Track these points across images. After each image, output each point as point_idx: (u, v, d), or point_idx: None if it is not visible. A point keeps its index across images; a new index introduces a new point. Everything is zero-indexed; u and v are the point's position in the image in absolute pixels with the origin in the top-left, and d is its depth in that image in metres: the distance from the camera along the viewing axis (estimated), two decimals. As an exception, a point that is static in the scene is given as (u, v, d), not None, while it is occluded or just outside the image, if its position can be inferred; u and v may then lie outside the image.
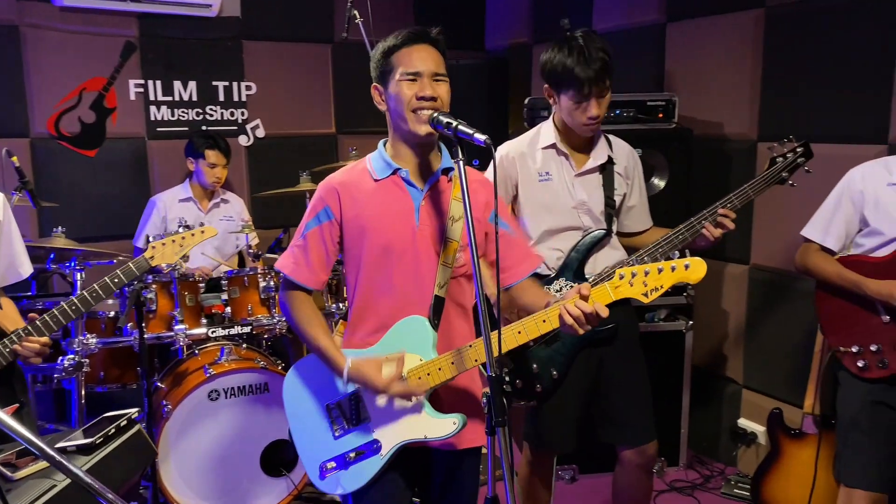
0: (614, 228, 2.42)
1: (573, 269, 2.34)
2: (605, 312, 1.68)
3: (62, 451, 1.74)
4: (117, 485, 1.83)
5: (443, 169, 1.84)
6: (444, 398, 1.84)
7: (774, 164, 2.34)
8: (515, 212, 2.41)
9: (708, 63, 3.44)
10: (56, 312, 2.02)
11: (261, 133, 4.43)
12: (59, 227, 3.04)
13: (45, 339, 1.98)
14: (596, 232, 2.34)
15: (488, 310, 1.58)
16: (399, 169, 1.81)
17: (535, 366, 2.34)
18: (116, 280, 2.06)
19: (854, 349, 2.16)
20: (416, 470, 1.89)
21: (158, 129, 4.19)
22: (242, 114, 4.38)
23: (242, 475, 3.02)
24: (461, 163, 1.62)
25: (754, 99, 3.26)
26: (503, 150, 2.37)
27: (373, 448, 1.81)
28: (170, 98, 4.20)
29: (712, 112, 3.44)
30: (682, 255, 1.66)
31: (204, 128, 4.21)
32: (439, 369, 1.75)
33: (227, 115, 4.35)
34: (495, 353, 1.70)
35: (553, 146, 2.34)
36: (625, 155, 2.44)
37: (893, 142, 2.71)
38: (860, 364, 2.15)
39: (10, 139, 3.81)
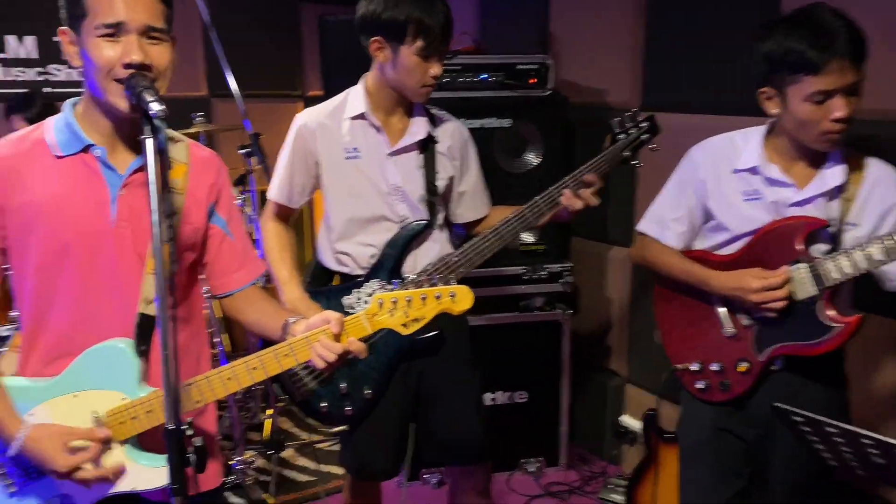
0: (440, 218, 2.06)
1: (388, 268, 1.97)
2: (362, 352, 1.38)
3: None
4: None
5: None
6: (159, 437, 1.45)
7: (616, 142, 1.99)
8: (324, 197, 2.03)
9: (592, 22, 3.06)
10: None
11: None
12: None
13: None
14: (414, 224, 1.98)
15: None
16: (92, 146, 1.38)
17: (343, 385, 1.98)
18: None
19: (693, 367, 1.85)
20: None
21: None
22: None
23: None
24: (150, 140, 1.22)
25: (636, 63, 2.89)
26: (300, 120, 1.98)
27: (70, 501, 1.42)
28: (2, 55, 3.69)
29: (593, 77, 3.07)
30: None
31: (47, 90, 3.71)
32: (148, 412, 1.38)
33: (75, 74, 3.85)
34: (199, 400, 1.39)
35: (362, 116, 1.95)
36: (450, 131, 2.06)
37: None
38: (700, 385, 1.84)
39: None
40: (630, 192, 2.98)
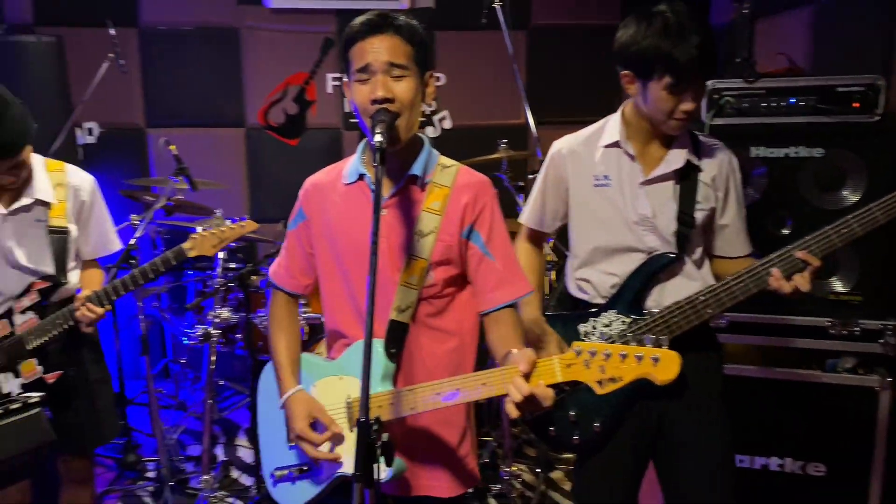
0: (696, 252, 1.90)
1: (628, 300, 1.89)
2: (546, 399, 1.35)
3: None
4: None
5: (408, 175, 1.61)
6: (398, 435, 1.62)
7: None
8: (568, 223, 2.03)
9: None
10: (108, 288, 2.18)
11: (448, 124, 4.41)
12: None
13: (100, 309, 2.15)
14: (661, 256, 1.87)
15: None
16: (364, 174, 1.64)
17: (572, 413, 1.94)
18: (153, 267, 2.17)
19: None
20: None
21: (352, 121, 4.41)
22: (429, 105, 4.40)
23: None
24: (379, 168, 1.40)
25: None
26: (555, 147, 2.00)
27: (315, 469, 1.68)
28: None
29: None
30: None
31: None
32: (378, 407, 1.53)
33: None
34: (413, 407, 1.51)
35: (616, 144, 1.91)
36: (718, 160, 1.89)
37: None
38: None
39: (229, 129, 4.37)
40: None
